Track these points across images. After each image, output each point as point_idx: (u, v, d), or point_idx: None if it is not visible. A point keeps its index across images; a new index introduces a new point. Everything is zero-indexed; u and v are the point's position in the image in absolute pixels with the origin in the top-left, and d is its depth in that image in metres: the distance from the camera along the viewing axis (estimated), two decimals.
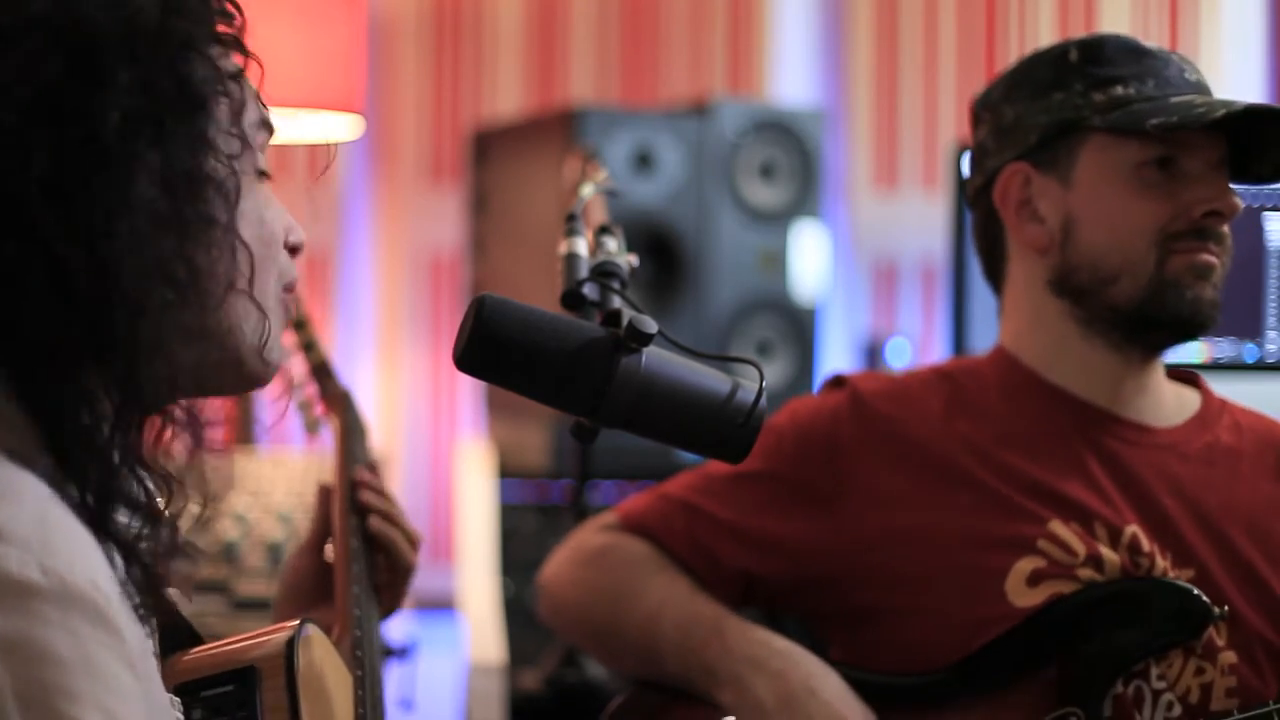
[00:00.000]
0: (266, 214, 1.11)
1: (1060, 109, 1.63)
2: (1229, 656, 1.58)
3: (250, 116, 1.09)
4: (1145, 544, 1.60)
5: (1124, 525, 1.61)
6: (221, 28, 1.09)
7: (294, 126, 3.00)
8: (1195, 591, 1.56)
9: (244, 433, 2.96)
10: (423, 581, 3.54)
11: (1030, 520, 1.60)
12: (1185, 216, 1.60)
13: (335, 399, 1.73)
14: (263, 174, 1.13)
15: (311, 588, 1.55)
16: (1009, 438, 1.66)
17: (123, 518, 1.00)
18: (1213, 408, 1.71)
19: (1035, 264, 1.68)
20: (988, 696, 1.58)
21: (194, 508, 1.07)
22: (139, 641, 0.98)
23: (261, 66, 1.13)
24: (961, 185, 2.78)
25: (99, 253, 0.97)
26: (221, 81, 1.06)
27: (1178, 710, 1.56)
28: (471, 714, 2.59)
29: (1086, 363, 1.66)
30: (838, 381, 1.75)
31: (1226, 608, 1.57)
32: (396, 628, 3.01)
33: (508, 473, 2.90)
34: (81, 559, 0.94)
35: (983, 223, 1.72)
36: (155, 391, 1.01)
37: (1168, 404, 1.69)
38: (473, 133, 3.20)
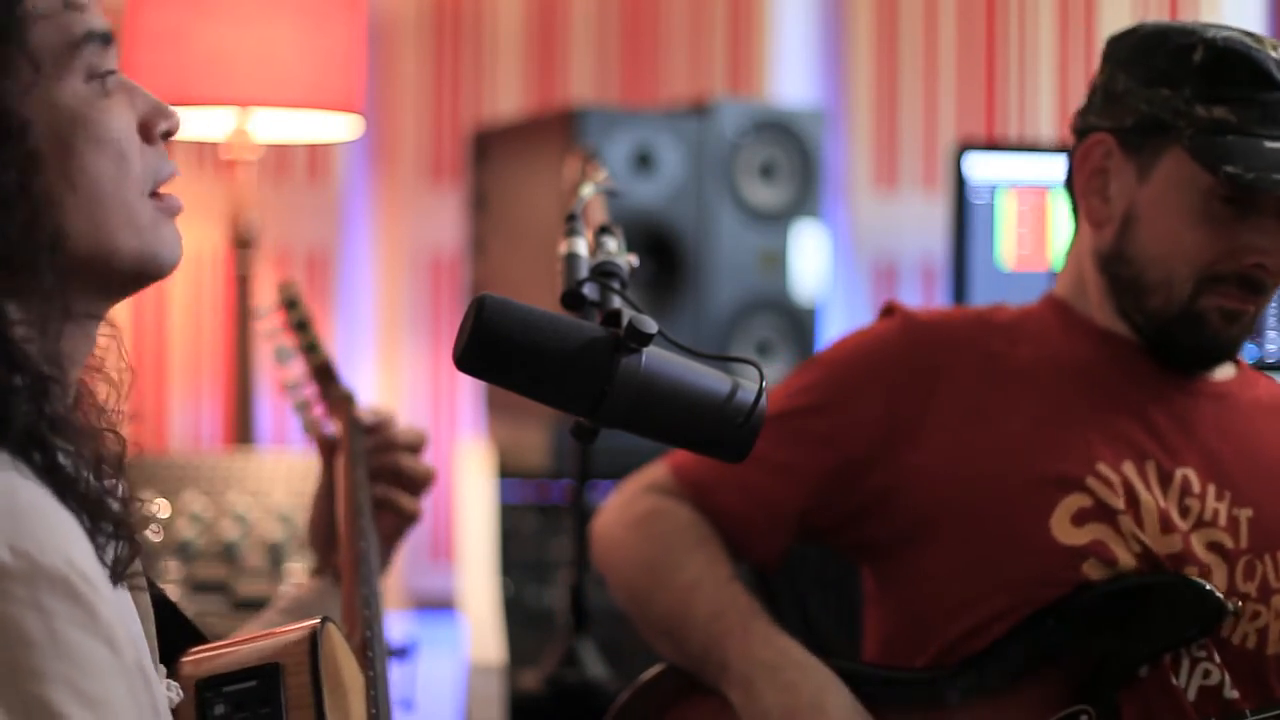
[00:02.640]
0: (111, 128, 1.08)
1: (1162, 107, 1.61)
2: None
3: (47, 30, 1.05)
4: (1197, 486, 1.62)
5: (1176, 467, 1.63)
6: None
7: (294, 126, 3.01)
8: (1208, 588, 1.56)
9: (244, 433, 2.96)
10: (423, 581, 3.55)
11: (1080, 458, 1.61)
12: (1233, 260, 1.60)
13: (338, 401, 1.72)
14: (104, 76, 1.08)
15: (334, 534, 1.60)
16: (1068, 367, 1.68)
17: (78, 469, 1.00)
18: (1249, 372, 1.75)
19: (1090, 231, 1.69)
20: (996, 694, 1.57)
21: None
22: (118, 613, 0.98)
23: None
24: (962, 184, 2.79)
25: None
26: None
27: (1216, 677, 1.56)
28: (471, 714, 2.59)
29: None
30: (888, 310, 1.76)
31: (1240, 603, 1.58)
32: (396, 628, 3.01)
33: (508, 473, 2.89)
34: (55, 536, 0.94)
35: (1069, 165, 1.72)
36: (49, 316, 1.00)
37: None
38: (473, 133, 3.20)
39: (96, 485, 1.01)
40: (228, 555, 2.52)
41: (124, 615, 1.02)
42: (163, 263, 1.10)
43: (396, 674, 2.22)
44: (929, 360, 1.69)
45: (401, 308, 3.45)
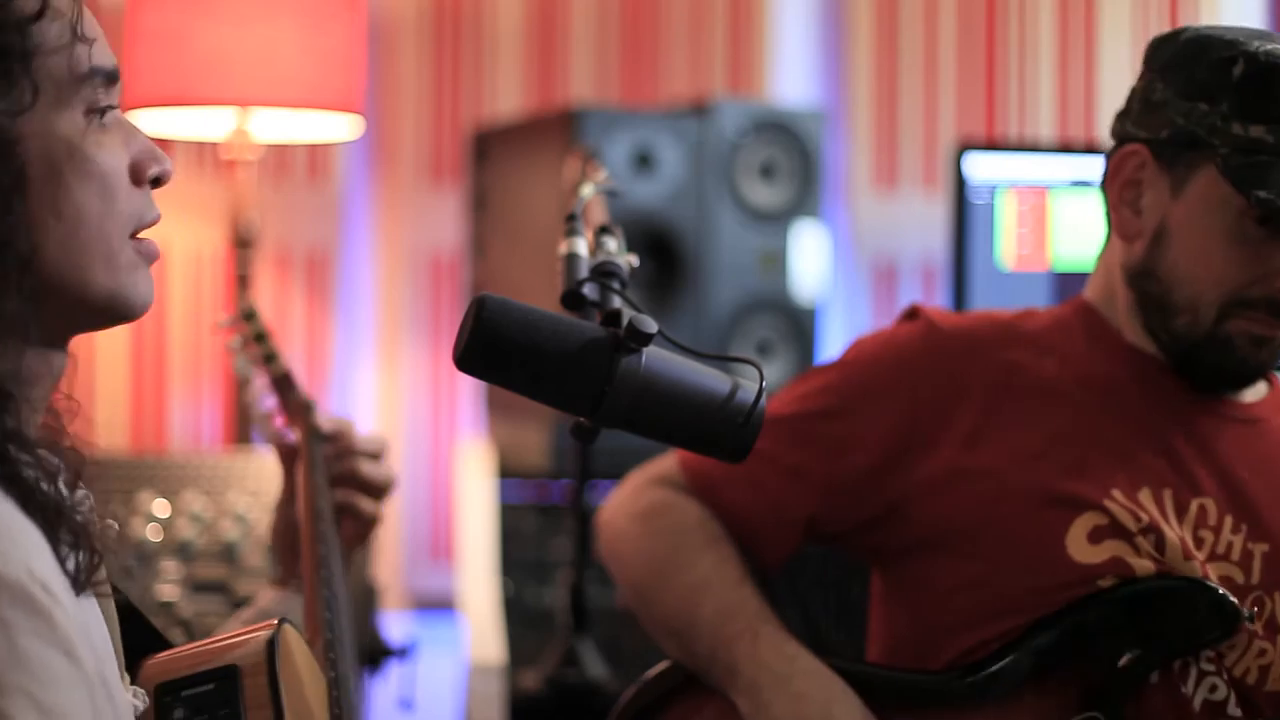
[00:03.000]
0: (102, 163, 1.08)
1: (1198, 122, 1.55)
2: None
3: (55, 61, 1.06)
4: (1213, 517, 1.58)
5: (1193, 497, 1.58)
6: None
7: (294, 126, 3.00)
8: (1222, 592, 1.52)
9: (244, 433, 2.96)
10: (423, 581, 3.56)
11: (1096, 481, 1.57)
12: (1264, 285, 1.55)
13: (297, 410, 1.73)
14: (103, 112, 1.09)
15: (297, 543, 1.61)
16: (1091, 385, 1.63)
17: (38, 479, 1.01)
18: None
19: (1120, 244, 1.64)
20: (1007, 699, 1.55)
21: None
22: (80, 624, 0.98)
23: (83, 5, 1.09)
24: (962, 184, 2.78)
25: None
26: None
27: (1222, 692, 1.53)
28: (471, 714, 2.59)
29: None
30: (912, 313, 1.71)
31: (1256, 609, 1.55)
32: (396, 628, 3.01)
33: (508, 473, 2.89)
34: (16, 548, 0.94)
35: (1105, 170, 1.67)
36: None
37: None
38: (473, 133, 3.20)
39: (57, 496, 1.01)
40: (228, 555, 2.52)
41: (87, 624, 1.02)
42: (132, 305, 1.11)
43: (396, 674, 2.22)
44: (950, 370, 1.64)
45: (401, 308, 3.45)
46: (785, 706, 1.53)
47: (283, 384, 1.78)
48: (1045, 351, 1.66)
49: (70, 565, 1.01)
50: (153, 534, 2.51)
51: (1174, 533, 1.56)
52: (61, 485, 1.03)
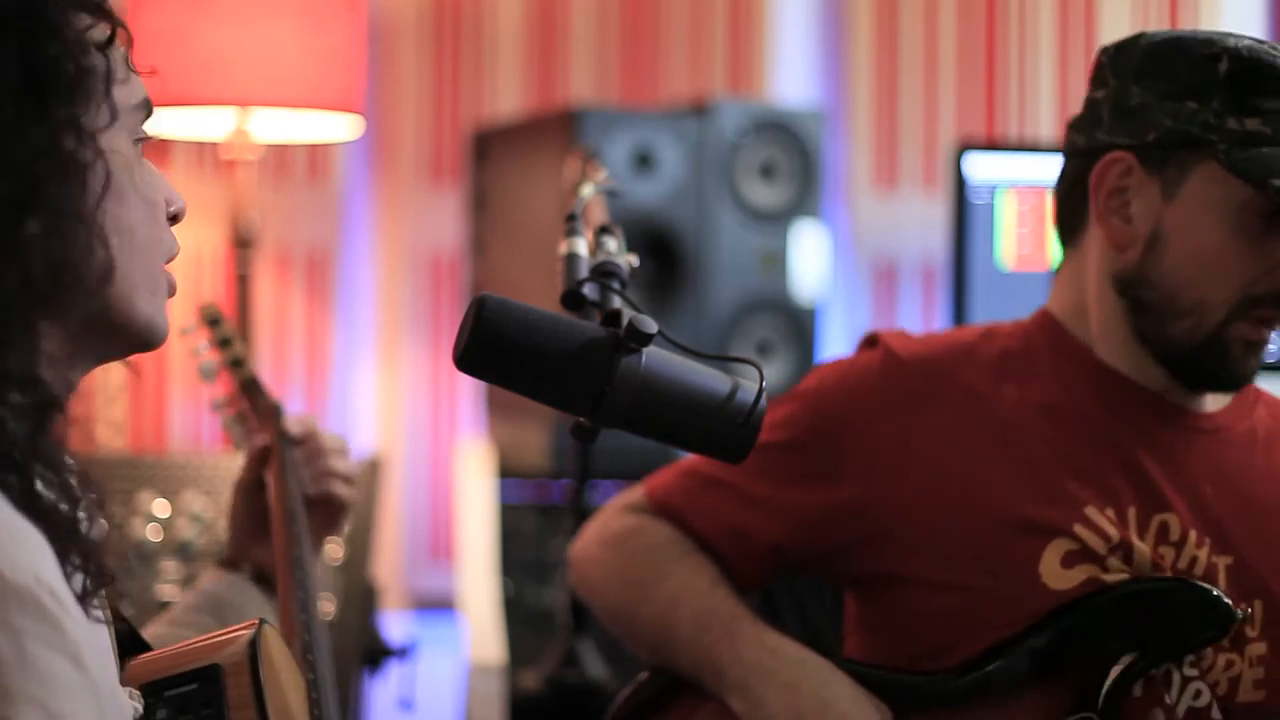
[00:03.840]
0: (156, 188, 1.11)
1: (1189, 120, 1.53)
2: (1258, 648, 1.56)
3: (121, 88, 1.08)
4: (1176, 532, 1.57)
5: (1155, 514, 1.57)
6: None
7: (294, 126, 3.01)
8: (1216, 592, 1.52)
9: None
10: (423, 581, 3.55)
11: (1065, 505, 1.55)
12: (1272, 278, 1.53)
13: (266, 414, 1.72)
14: (139, 142, 1.12)
15: (256, 524, 1.63)
16: (1056, 409, 1.61)
17: (54, 498, 1.01)
18: (1248, 393, 1.67)
19: (1108, 254, 1.61)
20: (1000, 700, 1.54)
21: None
22: (86, 632, 0.98)
23: (130, 36, 1.12)
24: (962, 184, 2.79)
25: None
26: (85, 54, 1.05)
27: (1206, 697, 1.53)
28: (471, 714, 2.59)
29: (1134, 353, 1.61)
30: (871, 340, 1.69)
31: (1249, 609, 1.54)
32: (396, 628, 3.01)
33: (508, 473, 2.90)
34: (24, 554, 0.94)
35: (1072, 181, 1.64)
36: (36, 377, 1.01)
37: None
38: (473, 133, 3.20)
39: (70, 513, 1.01)
40: None
41: (92, 631, 1.02)
42: (160, 335, 1.13)
43: (396, 674, 2.23)
44: (909, 400, 1.62)
45: (401, 308, 3.45)
46: (780, 700, 1.52)
47: (250, 388, 1.76)
48: (1007, 376, 1.63)
49: (75, 585, 1.01)
50: (153, 534, 2.51)
51: (1141, 545, 1.55)
52: (80, 510, 1.03)
